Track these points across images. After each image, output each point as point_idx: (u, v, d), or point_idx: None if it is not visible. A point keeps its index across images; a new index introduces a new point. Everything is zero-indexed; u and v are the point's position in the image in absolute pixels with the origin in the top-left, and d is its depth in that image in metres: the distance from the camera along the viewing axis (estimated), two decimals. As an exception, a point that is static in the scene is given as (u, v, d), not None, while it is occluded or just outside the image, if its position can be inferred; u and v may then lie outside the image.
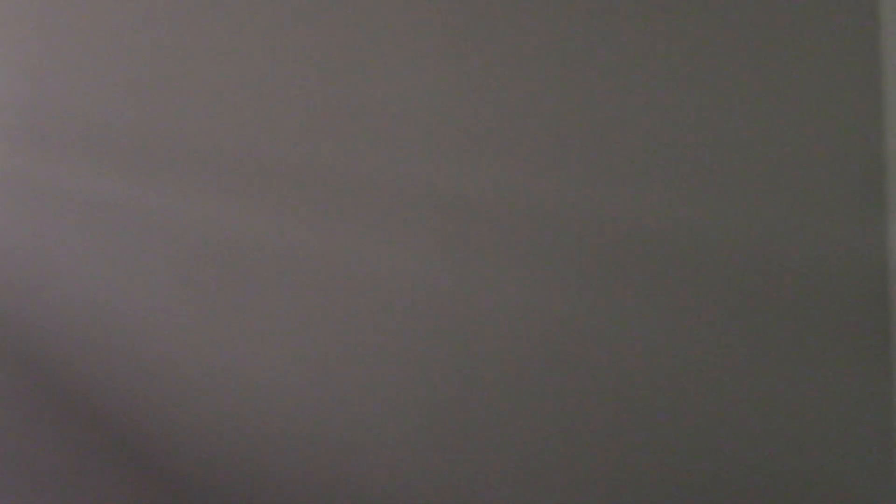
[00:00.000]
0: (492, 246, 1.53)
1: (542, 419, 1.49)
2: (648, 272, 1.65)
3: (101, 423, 1.73)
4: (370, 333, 1.57)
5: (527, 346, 1.48)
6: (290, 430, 1.59)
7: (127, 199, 1.74)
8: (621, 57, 1.67)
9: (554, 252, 1.52)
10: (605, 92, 1.67)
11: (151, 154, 1.76)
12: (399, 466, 1.54)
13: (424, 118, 1.59)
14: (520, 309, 1.52)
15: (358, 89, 1.63)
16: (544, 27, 1.71)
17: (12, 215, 1.79)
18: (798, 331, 1.67)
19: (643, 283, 1.65)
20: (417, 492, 1.55)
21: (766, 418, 1.61)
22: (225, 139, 1.75)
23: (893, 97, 1.60)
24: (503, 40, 1.68)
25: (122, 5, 1.80)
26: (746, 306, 1.62)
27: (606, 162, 1.66)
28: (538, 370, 1.49)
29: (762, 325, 1.64)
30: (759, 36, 1.65)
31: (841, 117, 1.60)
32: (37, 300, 1.76)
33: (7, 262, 1.78)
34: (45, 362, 1.75)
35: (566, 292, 1.51)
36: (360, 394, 1.58)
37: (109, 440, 1.73)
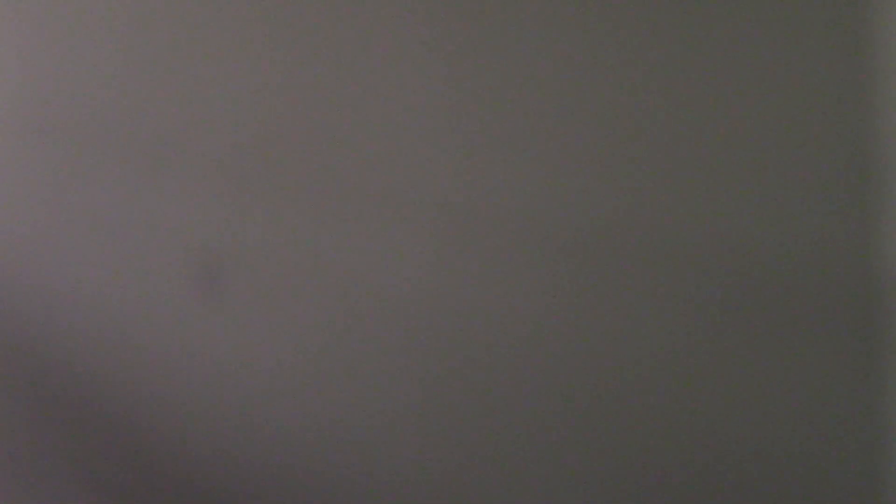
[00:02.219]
0: (490, 249, 1.54)
1: (538, 421, 1.50)
2: (642, 272, 1.67)
3: (99, 419, 1.74)
4: (367, 334, 1.58)
5: (523, 348, 1.50)
6: (286, 428, 1.60)
7: (125, 197, 1.75)
8: (616, 58, 1.68)
9: (550, 254, 1.54)
10: (600, 94, 1.68)
11: (149, 152, 1.76)
12: (394, 467, 1.56)
13: (422, 120, 1.59)
14: (517, 311, 1.53)
15: (358, 91, 1.63)
16: (542, 28, 1.72)
17: (10, 213, 1.79)
18: (786, 330, 1.69)
19: (637, 284, 1.66)
20: (412, 492, 1.56)
21: (755, 417, 1.62)
22: (223, 138, 1.76)
23: (882, 95, 1.61)
24: (502, 42, 1.69)
25: (121, 2, 1.80)
26: (734, 305, 1.63)
27: (601, 164, 1.67)
28: (535, 372, 1.51)
29: (749, 323, 1.65)
30: (746, 34, 1.66)
31: (829, 115, 1.60)
32: (34, 297, 1.77)
33: (5, 260, 1.78)
34: (42, 358, 1.75)
35: (561, 293, 1.53)
36: (356, 394, 1.59)
37: (109, 438, 1.73)
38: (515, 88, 1.65)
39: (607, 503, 1.47)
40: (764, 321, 1.63)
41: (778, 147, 1.66)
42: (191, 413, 1.70)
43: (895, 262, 1.51)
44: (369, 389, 1.55)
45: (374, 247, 1.60)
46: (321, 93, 1.67)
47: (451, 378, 1.53)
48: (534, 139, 1.60)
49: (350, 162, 1.63)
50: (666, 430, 1.63)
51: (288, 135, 1.70)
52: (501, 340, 1.51)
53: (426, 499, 1.51)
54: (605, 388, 1.64)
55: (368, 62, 1.65)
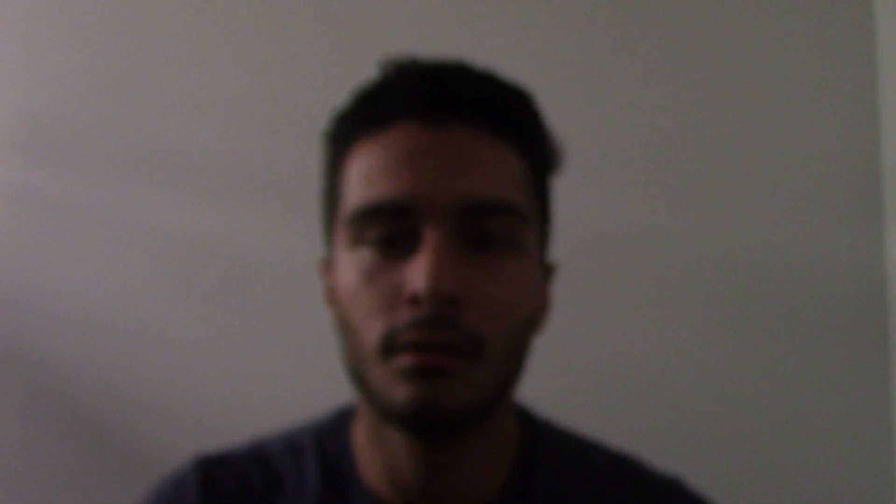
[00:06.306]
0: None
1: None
2: (648, 278, 1.65)
3: (99, 429, 1.73)
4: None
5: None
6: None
7: (126, 208, 1.76)
8: (618, 62, 1.67)
9: (553, 255, 1.51)
10: (602, 98, 1.67)
11: (150, 163, 1.78)
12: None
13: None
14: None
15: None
16: (546, 32, 1.72)
17: (11, 225, 1.81)
18: (797, 335, 1.65)
19: (644, 290, 1.64)
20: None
21: (766, 421, 1.59)
22: (223, 149, 1.76)
23: (889, 104, 1.60)
24: (505, 44, 1.69)
25: (121, 15, 1.83)
26: (745, 312, 1.61)
27: (605, 168, 1.66)
28: (539, 375, 1.48)
29: (761, 329, 1.63)
30: (756, 43, 1.65)
31: (838, 124, 1.60)
32: (35, 309, 1.77)
33: (5, 272, 1.80)
34: (44, 371, 1.75)
35: (565, 295, 1.51)
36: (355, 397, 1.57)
37: (107, 447, 1.72)
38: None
39: None
40: (779, 327, 1.61)
41: (793, 160, 1.64)
42: (187, 421, 1.68)
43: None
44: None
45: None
46: (323, 101, 1.67)
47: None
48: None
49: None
50: (683, 432, 1.60)
51: (289, 145, 1.70)
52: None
53: None
54: (618, 392, 1.61)
55: (372, 63, 1.64)
